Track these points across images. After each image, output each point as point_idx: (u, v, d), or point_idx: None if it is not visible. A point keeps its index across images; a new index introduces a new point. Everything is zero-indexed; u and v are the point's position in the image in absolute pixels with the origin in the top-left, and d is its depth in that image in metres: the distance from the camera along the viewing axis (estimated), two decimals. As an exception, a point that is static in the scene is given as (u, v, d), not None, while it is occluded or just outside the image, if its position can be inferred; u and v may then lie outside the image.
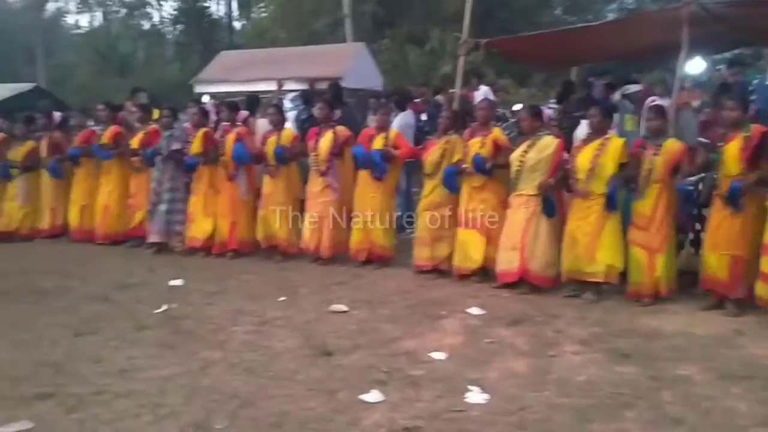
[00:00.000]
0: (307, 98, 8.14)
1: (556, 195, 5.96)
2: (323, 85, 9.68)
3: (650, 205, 5.48)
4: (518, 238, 5.83)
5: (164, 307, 5.50)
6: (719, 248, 5.23)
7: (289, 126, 7.67)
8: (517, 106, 10.40)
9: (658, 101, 6.87)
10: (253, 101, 8.33)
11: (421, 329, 4.94)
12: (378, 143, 6.79)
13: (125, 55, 30.59)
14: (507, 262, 5.91)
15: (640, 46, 7.59)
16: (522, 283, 5.90)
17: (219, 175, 7.44)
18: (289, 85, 9.66)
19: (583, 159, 5.67)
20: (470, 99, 9.24)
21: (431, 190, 6.56)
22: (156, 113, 8.23)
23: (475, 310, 5.36)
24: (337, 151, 7.00)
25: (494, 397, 3.76)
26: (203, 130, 7.50)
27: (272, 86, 9.48)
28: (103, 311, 5.47)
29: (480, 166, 6.13)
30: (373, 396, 3.75)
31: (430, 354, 4.39)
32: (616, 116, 6.62)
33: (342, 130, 7.10)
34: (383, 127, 6.92)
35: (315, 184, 7.06)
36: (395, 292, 5.95)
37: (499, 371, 4.14)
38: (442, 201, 6.49)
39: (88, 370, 4.15)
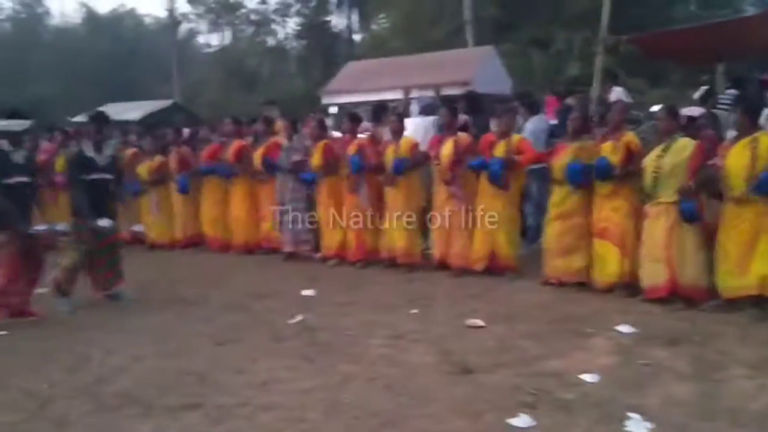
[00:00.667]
0: (444, 103, 7.96)
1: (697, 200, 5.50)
2: (452, 91, 9.56)
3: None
4: (662, 249, 5.44)
5: (299, 318, 5.51)
6: None
7: (413, 132, 7.56)
8: (655, 108, 9.80)
9: None
10: (379, 110, 8.27)
11: (566, 348, 4.62)
12: (499, 150, 6.55)
13: (252, 71, 31.97)
14: (653, 275, 5.53)
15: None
16: (673, 298, 5.48)
17: (341, 186, 7.47)
18: (415, 93, 9.54)
19: (735, 161, 5.16)
20: (605, 101, 8.76)
21: (562, 198, 6.24)
22: (278, 126, 8.41)
23: (625, 328, 4.97)
24: (459, 158, 6.79)
25: (658, 426, 3.41)
26: (323, 142, 7.56)
27: (399, 95, 9.40)
28: (240, 321, 5.55)
29: (605, 172, 5.77)
30: (523, 420, 3.50)
31: (580, 375, 4.08)
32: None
33: (464, 137, 6.90)
34: (505, 132, 6.67)
35: (440, 192, 6.93)
36: (534, 307, 5.66)
37: (660, 397, 3.77)
38: (573, 209, 6.16)
39: (231, 381, 4.18)
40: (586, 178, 6.01)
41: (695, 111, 7.49)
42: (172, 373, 4.35)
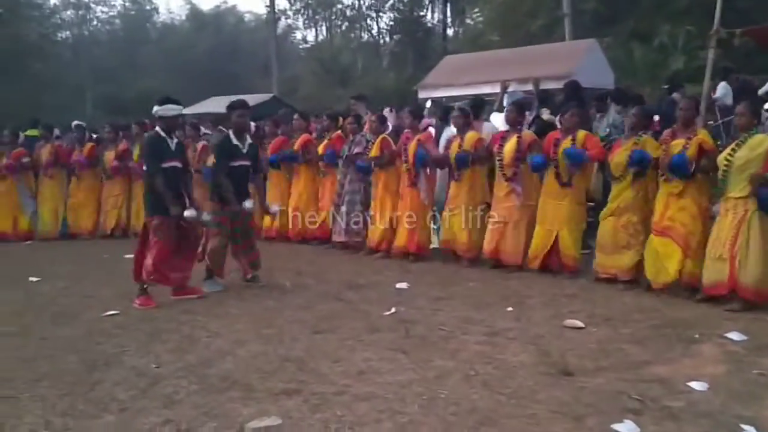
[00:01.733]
0: (541, 98, 7.84)
1: None
2: (552, 85, 9.32)
3: None
4: (727, 246, 5.31)
5: (393, 310, 5.54)
6: None
7: (501, 126, 7.51)
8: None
9: None
10: (477, 104, 8.17)
11: (672, 354, 4.42)
12: (565, 145, 6.53)
13: (345, 66, 32.39)
14: (714, 273, 5.37)
15: None
16: (733, 297, 5.37)
17: (398, 179, 7.67)
18: (512, 87, 9.39)
19: None
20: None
21: (618, 195, 6.21)
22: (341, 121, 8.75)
23: (735, 335, 4.71)
24: (522, 156, 6.83)
25: (776, 442, 3.20)
26: (381, 136, 7.78)
27: (496, 88, 9.27)
28: (337, 310, 5.63)
29: (681, 168, 5.58)
30: (627, 427, 3.36)
31: (688, 383, 3.89)
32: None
33: (528, 134, 6.96)
34: (569, 128, 6.60)
35: (500, 188, 6.99)
36: (635, 310, 5.46)
37: (777, 410, 3.53)
38: (628, 206, 6.15)
39: (329, 369, 4.23)
40: (641, 165, 5.96)
41: None
42: (272, 359, 4.45)
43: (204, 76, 33.00)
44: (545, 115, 7.47)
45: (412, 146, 7.49)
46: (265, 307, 5.79)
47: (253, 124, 9.92)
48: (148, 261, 5.89)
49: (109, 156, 10.10)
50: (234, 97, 6.64)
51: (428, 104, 10.70)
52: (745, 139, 5.36)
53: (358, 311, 5.58)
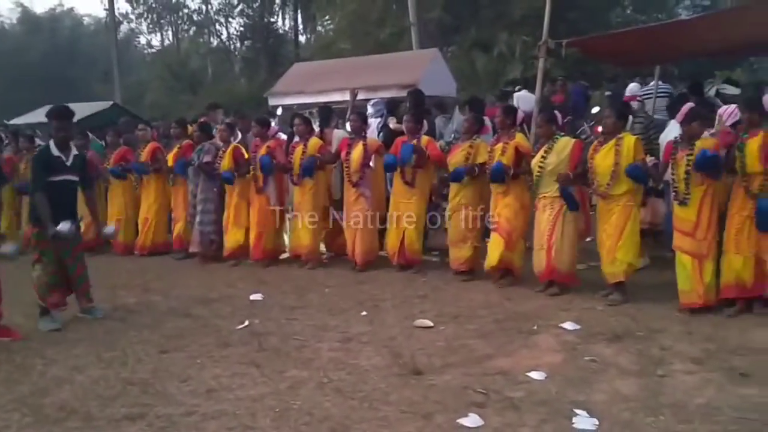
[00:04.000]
0: (390, 106, 8.04)
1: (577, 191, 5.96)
2: (398, 93, 9.55)
3: (695, 210, 5.30)
4: (545, 238, 5.92)
5: (246, 323, 5.42)
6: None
7: (372, 133, 7.69)
8: (595, 109, 10.02)
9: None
10: (326, 112, 8.21)
11: (513, 346, 4.67)
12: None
13: (195, 72, 31.42)
14: (539, 262, 6.03)
15: (738, 41, 7.12)
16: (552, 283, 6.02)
17: (249, 187, 7.71)
18: (363, 94, 9.54)
19: (601, 162, 5.69)
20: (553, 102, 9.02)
21: (457, 192, 6.70)
22: (190, 129, 8.61)
23: (569, 325, 5.06)
24: (368, 162, 7.14)
25: (604, 422, 3.46)
26: (232, 146, 7.75)
27: (346, 96, 9.37)
28: (186, 327, 5.42)
29: (497, 175, 6.20)
30: (472, 420, 3.51)
31: (527, 373, 4.13)
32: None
33: (372, 141, 7.28)
34: (413, 133, 6.96)
35: (350, 193, 7.25)
36: (481, 306, 5.71)
37: (606, 393, 3.83)
38: (466, 203, 6.63)
39: (176, 389, 4.06)
40: (469, 175, 6.53)
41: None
42: (114, 383, 4.20)
43: (39, 82, 30.72)
44: (392, 123, 7.66)
45: (261, 153, 7.50)
46: (106, 329, 5.44)
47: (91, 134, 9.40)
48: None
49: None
50: (72, 106, 6.00)
51: (279, 111, 10.60)
52: (552, 145, 5.95)
53: (208, 327, 5.40)
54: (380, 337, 4.96)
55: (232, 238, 7.76)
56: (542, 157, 5.95)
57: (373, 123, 7.90)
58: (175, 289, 6.79)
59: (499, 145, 6.33)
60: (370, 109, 8.17)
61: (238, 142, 7.94)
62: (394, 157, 6.90)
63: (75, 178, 5.67)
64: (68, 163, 5.60)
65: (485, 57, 18.50)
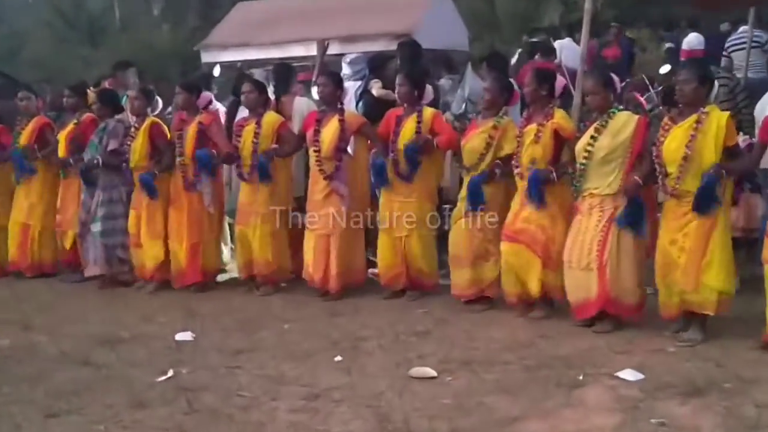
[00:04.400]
0: (375, 64, 7.99)
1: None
2: (385, 46, 9.54)
3: None
4: (595, 253, 5.87)
5: (170, 373, 5.44)
6: None
7: (349, 103, 7.72)
8: (664, 68, 10.12)
9: None
10: (283, 72, 8.22)
11: (551, 405, 4.70)
12: (408, 129, 6.87)
13: (95, 17, 31.30)
14: (583, 288, 5.99)
15: None
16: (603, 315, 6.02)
17: (173, 181, 7.68)
18: (335, 48, 9.54)
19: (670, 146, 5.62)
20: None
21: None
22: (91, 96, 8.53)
23: (629, 374, 5.08)
24: (345, 145, 7.09)
25: None
26: (149, 120, 7.70)
27: (311, 50, 9.40)
28: (84, 379, 5.42)
29: (537, 181, 6.15)
30: None
31: (571, 443, 4.16)
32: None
33: (352, 116, 7.24)
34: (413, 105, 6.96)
35: (317, 189, 7.18)
36: (505, 347, 5.76)
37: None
38: (487, 203, 6.58)
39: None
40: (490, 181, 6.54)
41: None
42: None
43: None
44: (376, 89, 7.65)
45: (189, 133, 7.48)
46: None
47: None
48: None
49: None
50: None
51: (216, 71, 10.61)
52: (606, 121, 5.89)
53: (116, 379, 5.41)
54: (361, 393, 4.97)
55: (147, 254, 7.76)
56: (591, 137, 5.89)
57: (351, 88, 7.90)
58: (67, 325, 6.78)
59: (531, 127, 6.26)
60: (346, 69, 8.18)
61: (157, 115, 7.93)
62: (383, 162, 6.88)
63: None
64: None
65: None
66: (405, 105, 6.96)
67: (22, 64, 25.98)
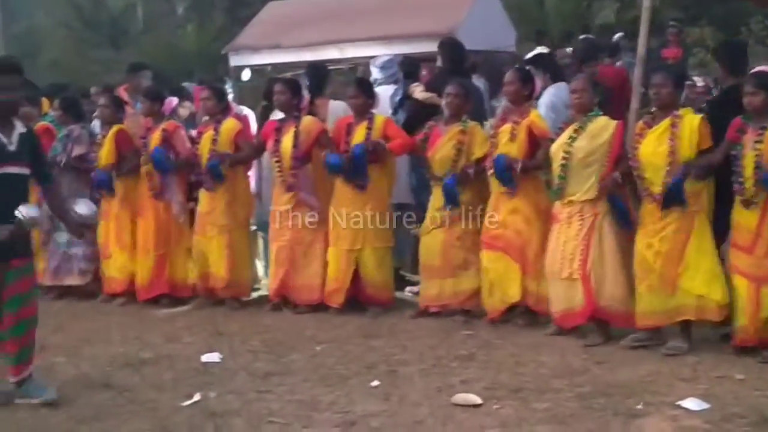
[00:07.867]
0: (409, 68, 8.06)
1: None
2: (425, 47, 9.56)
3: (757, 216, 5.62)
4: (578, 263, 6.10)
5: (197, 397, 5.46)
6: None
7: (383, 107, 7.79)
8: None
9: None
10: (317, 75, 8.26)
11: (609, 436, 4.66)
12: (359, 135, 7.13)
13: (117, 17, 31.63)
14: (566, 298, 6.23)
15: None
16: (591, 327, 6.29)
17: (139, 189, 7.90)
18: (367, 49, 9.58)
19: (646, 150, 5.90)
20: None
21: (438, 198, 6.94)
22: (46, 104, 8.75)
23: (693, 403, 5.03)
24: (303, 155, 7.34)
25: None
26: (116, 128, 7.88)
27: (346, 52, 9.44)
28: (105, 404, 5.46)
29: (504, 172, 6.42)
30: None
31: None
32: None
33: (310, 122, 7.40)
34: (361, 112, 7.25)
35: (280, 199, 7.40)
36: (557, 373, 5.72)
37: None
38: (461, 211, 6.85)
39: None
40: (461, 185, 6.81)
41: None
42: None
43: None
44: (418, 91, 7.65)
45: (153, 141, 7.73)
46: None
47: None
48: None
49: None
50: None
51: (246, 75, 10.68)
52: (584, 124, 6.08)
53: (139, 403, 5.44)
54: (400, 421, 4.97)
55: (116, 266, 7.96)
56: (570, 138, 6.08)
57: (384, 93, 7.92)
58: (87, 346, 6.84)
59: (506, 126, 6.53)
60: (376, 73, 8.22)
61: (186, 119, 8.05)
62: (338, 157, 7.09)
63: (25, 170, 5.40)
64: (12, 149, 5.29)
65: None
66: (355, 114, 7.23)
67: (40, 67, 26.26)
